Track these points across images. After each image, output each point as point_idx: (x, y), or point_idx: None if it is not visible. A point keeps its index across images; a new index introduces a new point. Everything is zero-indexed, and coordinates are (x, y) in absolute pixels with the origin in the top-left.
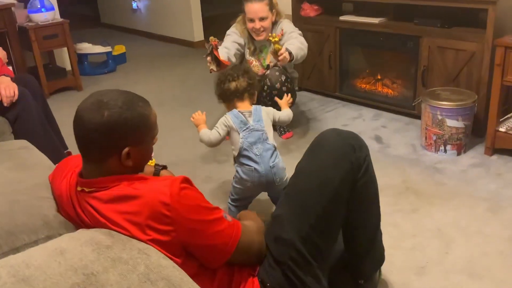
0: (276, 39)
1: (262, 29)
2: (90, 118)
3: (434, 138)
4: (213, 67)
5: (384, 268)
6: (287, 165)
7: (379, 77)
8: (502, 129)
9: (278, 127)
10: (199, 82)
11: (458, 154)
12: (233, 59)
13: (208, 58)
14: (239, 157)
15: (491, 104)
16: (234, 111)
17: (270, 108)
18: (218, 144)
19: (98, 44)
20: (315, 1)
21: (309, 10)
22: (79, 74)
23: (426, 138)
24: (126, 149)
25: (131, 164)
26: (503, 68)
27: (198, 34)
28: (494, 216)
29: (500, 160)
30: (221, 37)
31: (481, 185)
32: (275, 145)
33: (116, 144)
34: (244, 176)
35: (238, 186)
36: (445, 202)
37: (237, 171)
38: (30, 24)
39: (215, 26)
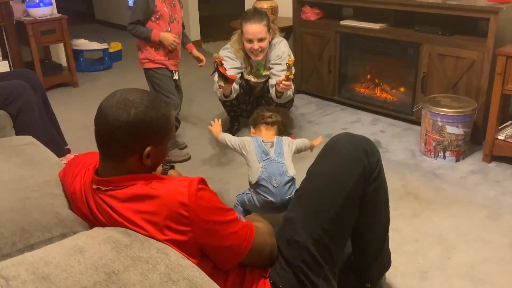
0: (291, 63)
1: (260, 49)
2: (116, 116)
3: (434, 144)
4: (221, 83)
5: (388, 272)
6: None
7: (378, 82)
8: (501, 137)
9: None
10: (196, 80)
11: (457, 160)
12: (237, 86)
13: (215, 75)
14: (256, 186)
15: (490, 112)
16: (258, 139)
17: (289, 139)
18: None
19: (94, 40)
20: (316, 5)
21: (310, 14)
22: (75, 71)
23: (425, 143)
24: (148, 149)
25: (149, 163)
26: (503, 77)
27: (195, 33)
28: (494, 222)
29: (498, 168)
30: (217, 37)
31: (480, 192)
32: (294, 176)
33: (139, 143)
34: (258, 205)
35: (249, 207)
36: (445, 208)
37: (252, 197)
38: (28, 18)
39: (212, 26)
